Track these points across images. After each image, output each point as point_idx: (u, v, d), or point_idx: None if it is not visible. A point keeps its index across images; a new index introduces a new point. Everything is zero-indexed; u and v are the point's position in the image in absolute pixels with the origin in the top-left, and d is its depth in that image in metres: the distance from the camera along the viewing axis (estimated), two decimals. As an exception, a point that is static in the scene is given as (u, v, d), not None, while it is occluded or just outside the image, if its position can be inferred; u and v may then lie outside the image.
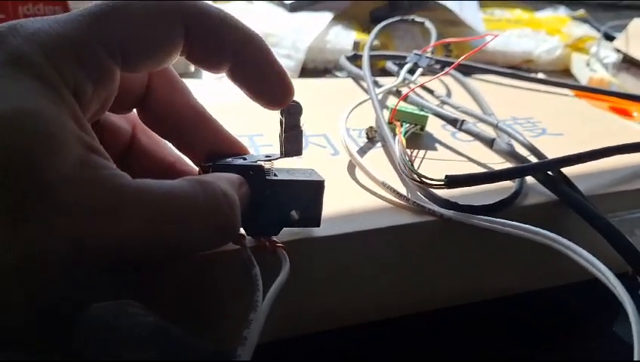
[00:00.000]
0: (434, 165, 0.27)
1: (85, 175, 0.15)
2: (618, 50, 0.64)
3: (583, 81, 0.54)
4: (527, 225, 0.20)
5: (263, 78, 0.19)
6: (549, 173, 0.24)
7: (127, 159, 0.22)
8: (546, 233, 0.20)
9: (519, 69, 0.56)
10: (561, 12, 0.68)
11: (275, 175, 0.20)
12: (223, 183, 0.18)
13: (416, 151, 0.28)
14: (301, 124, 0.20)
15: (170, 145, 0.22)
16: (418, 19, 0.42)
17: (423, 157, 0.28)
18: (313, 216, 0.20)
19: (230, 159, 0.20)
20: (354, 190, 0.24)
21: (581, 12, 0.68)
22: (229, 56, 0.19)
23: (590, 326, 0.27)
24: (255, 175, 0.19)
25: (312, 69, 0.49)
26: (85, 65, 0.16)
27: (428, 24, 0.40)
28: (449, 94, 0.37)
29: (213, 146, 0.21)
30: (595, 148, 0.25)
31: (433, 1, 0.53)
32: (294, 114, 0.19)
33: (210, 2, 0.19)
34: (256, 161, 0.20)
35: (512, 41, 0.57)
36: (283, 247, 0.19)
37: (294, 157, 0.20)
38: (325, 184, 0.20)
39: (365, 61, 0.34)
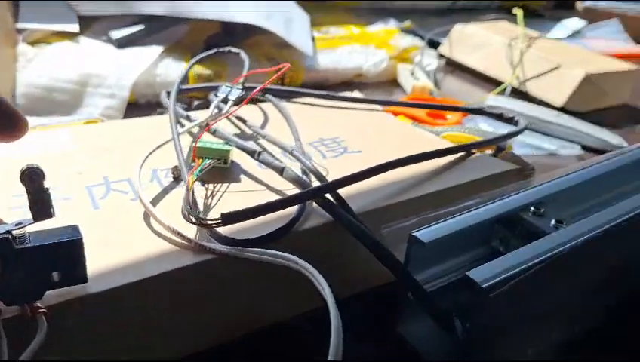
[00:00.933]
0: (233, 198, 0.28)
1: None
2: (442, 56, 0.70)
3: (408, 89, 0.59)
4: (278, 252, 0.22)
5: None
6: (328, 195, 0.26)
7: None
8: (290, 257, 0.22)
9: (352, 84, 0.60)
10: (391, 24, 0.74)
11: (29, 240, 0.20)
12: None
13: (219, 185, 0.30)
14: (45, 188, 0.20)
15: None
16: (234, 50, 0.44)
17: (225, 191, 0.29)
18: (77, 274, 0.21)
19: None
20: (146, 236, 0.25)
21: (407, 23, 0.74)
22: None
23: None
24: (3, 247, 0.19)
25: (144, 104, 0.49)
26: None
27: (243, 55, 0.42)
28: (266, 122, 0.39)
29: None
30: (369, 167, 0.28)
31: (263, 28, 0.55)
32: (35, 180, 0.20)
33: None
34: (4, 232, 0.19)
35: (343, 58, 0.60)
36: (44, 312, 0.19)
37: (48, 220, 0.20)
38: (83, 241, 0.20)
39: (172, 97, 0.35)
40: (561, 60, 0.57)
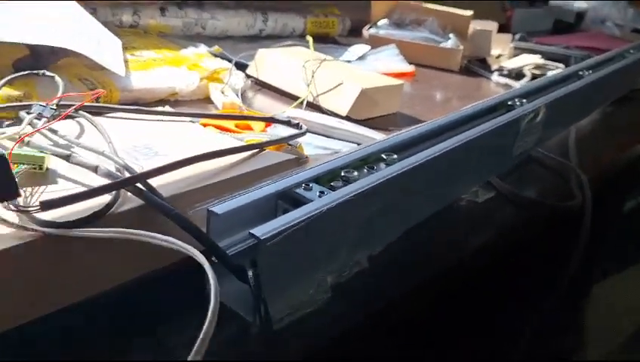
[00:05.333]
0: (52, 196, 0.32)
1: None
2: (249, 76, 0.79)
3: (219, 105, 0.66)
4: (108, 228, 0.27)
5: None
6: (139, 185, 0.31)
7: None
8: (129, 231, 0.27)
9: (167, 102, 0.65)
10: (202, 49, 0.80)
11: None
12: None
13: (37, 187, 0.33)
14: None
15: None
16: (48, 73, 0.46)
17: (43, 192, 0.33)
18: (9, 189, 0.23)
19: None
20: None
21: (216, 47, 0.81)
22: None
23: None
24: None
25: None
26: None
27: (57, 79, 0.45)
28: (82, 134, 0.42)
29: None
30: (174, 161, 0.34)
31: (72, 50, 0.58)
32: None
33: None
34: None
35: (156, 79, 0.65)
36: None
37: None
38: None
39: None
40: (345, 78, 0.68)
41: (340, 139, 0.59)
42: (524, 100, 0.56)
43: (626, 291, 1.11)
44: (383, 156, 0.40)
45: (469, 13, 1.01)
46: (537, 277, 0.58)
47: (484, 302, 0.47)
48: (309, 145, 0.55)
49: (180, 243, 0.28)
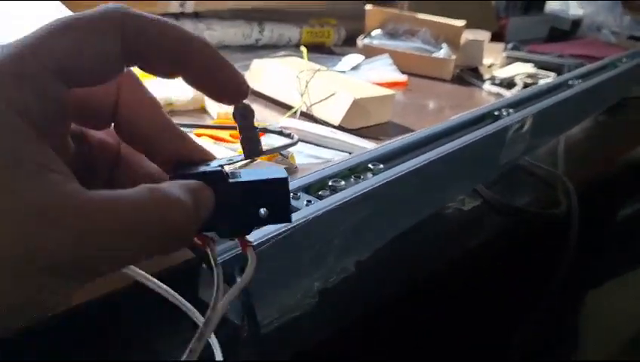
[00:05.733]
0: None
1: (38, 185, 0.16)
2: (245, 87, 0.80)
3: (215, 115, 0.67)
4: None
5: (213, 81, 0.21)
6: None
7: (117, 171, 0.22)
8: None
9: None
10: (198, 59, 0.82)
11: (239, 176, 0.21)
12: (176, 189, 0.19)
13: None
14: (256, 126, 0.21)
15: None
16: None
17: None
18: (282, 212, 0.22)
19: (196, 166, 0.21)
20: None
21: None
22: (177, 66, 0.20)
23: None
24: (217, 179, 0.20)
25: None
26: (30, 90, 0.17)
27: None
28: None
29: (181, 156, 0.22)
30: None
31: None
32: (247, 116, 0.21)
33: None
34: (218, 166, 0.20)
35: (152, 89, 0.66)
36: (252, 246, 0.21)
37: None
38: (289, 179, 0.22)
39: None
40: (338, 88, 0.70)
41: (331, 149, 0.61)
42: (512, 110, 0.58)
43: (620, 299, 1.12)
44: (370, 166, 0.42)
45: (461, 23, 1.03)
46: (525, 286, 0.59)
47: (470, 308, 0.49)
48: (301, 153, 0.56)
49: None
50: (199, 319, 0.26)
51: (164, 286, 0.26)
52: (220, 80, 0.21)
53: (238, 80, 0.22)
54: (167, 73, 0.21)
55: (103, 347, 0.29)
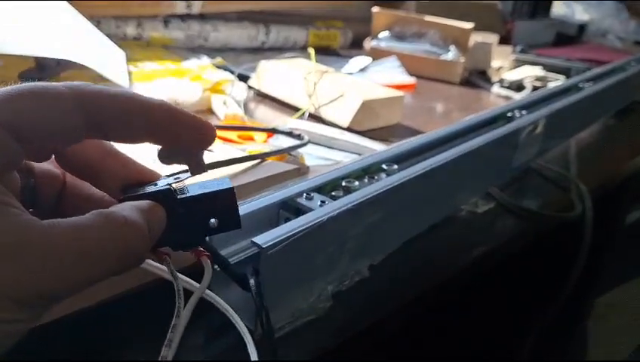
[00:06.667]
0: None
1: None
2: (252, 87, 0.80)
3: (222, 116, 0.66)
4: None
5: (181, 138, 0.22)
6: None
7: (64, 199, 0.23)
8: None
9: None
10: (204, 60, 0.81)
11: (187, 192, 0.22)
12: (127, 211, 0.20)
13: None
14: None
15: None
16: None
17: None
18: (232, 220, 0.23)
19: (143, 187, 0.22)
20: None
21: (219, 59, 0.82)
22: (143, 136, 0.21)
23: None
24: (166, 197, 0.21)
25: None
26: None
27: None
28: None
29: (126, 179, 0.23)
30: (174, 172, 0.34)
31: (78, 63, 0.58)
32: None
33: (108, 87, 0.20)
34: (166, 185, 0.21)
35: (159, 90, 0.66)
36: (208, 256, 0.22)
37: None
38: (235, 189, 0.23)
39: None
40: (346, 90, 0.69)
41: (341, 150, 0.60)
42: (524, 112, 0.57)
43: (631, 303, 1.11)
44: (384, 166, 0.41)
45: (469, 25, 1.02)
46: (538, 289, 0.58)
47: (484, 312, 0.48)
48: (311, 155, 0.55)
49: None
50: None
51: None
52: (187, 136, 0.22)
53: (205, 130, 0.23)
54: (133, 141, 0.22)
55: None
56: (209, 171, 0.38)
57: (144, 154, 0.26)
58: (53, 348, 0.27)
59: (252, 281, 0.31)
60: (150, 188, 0.22)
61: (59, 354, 0.27)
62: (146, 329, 0.28)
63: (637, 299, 1.01)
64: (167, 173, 0.24)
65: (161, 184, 0.22)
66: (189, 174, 0.23)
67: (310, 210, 0.34)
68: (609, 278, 0.91)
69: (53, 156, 0.23)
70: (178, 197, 0.22)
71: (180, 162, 0.23)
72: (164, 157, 0.23)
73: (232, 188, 0.23)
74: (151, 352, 0.23)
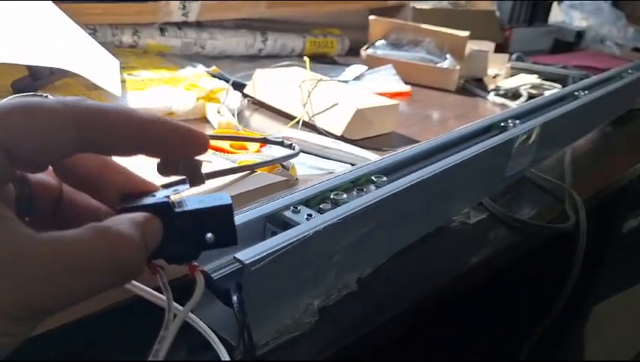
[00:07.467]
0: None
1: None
2: (247, 95, 0.79)
3: (215, 125, 0.66)
4: None
5: (176, 150, 0.22)
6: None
7: (61, 209, 0.23)
8: None
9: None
10: (200, 69, 0.81)
11: (185, 205, 0.22)
12: (123, 225, 0.19)
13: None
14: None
15: None
16: (46, 95, 0.47)
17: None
18: (228, 236, 0.23)
19: (141, 198, 0.22)
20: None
21: (214, 68, 0.82)
22: (139, 150, 0.21)
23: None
24: (164, 210, 0.21)
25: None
26: None
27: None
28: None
29: (124, 190, 0.23)
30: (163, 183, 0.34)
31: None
32: None
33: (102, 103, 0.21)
34: (164, 197, 0.21)
35: (153, 98, 0.66)
36: (201, 271, 0.22)
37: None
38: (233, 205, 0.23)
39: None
40: (340, 98, 0.69)
41: (334, 160, 0.59)
42: (518, 121, 0.56)
43: (627, 312, 1.10)
44: (373, 178, 0.40)
45: (465, 33, 1.02)
46: (531, 300, 0.58)
47: (476, 323, 0.47)
48: (303, 165, 0.55)
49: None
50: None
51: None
52: (181, 148, 0.22)
53: (197, 140, 0.22)
54: (127, 155, 0.22)
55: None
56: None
57: (143, 163, 0.26)
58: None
59: (235, 297, 0.30)
60: (148, 200, 0.22)
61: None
62: (124, 346, 0.28)
63: (630, 308, 1.00)
64: (166, 183, 0.24)
65: (160, 195, 0.22)
66: (187, 185, 0.23)
67: (297, 223, 0.33)
68: (604, 288, 0.91)
69: (51, 167, 0.23)
70: (176, 210, 0.22)
71: (179, 174, 0.23)
72: (163, 170, 0.23)
73: (230, 205, 0.23)
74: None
